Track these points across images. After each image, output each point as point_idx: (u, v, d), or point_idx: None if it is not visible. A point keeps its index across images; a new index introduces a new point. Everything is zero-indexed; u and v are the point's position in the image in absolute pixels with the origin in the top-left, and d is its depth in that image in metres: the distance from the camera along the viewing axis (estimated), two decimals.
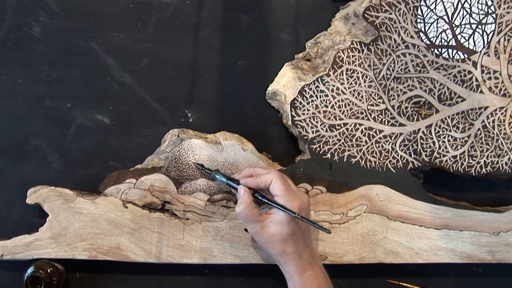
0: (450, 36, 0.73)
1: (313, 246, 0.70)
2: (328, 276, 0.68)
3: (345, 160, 0.74)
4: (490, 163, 0.75)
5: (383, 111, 0.74)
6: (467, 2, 0.72)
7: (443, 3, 0.72)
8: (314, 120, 0.74)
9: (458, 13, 0.72)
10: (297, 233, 0.66)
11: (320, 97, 0.74)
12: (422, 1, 0.72)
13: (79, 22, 0.76)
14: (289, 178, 0.70)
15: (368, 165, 0.75)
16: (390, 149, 0.75)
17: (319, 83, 0.74)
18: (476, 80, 0.74)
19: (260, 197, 0.68)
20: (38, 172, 0.76)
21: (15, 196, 0.76)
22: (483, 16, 0.73)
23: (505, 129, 0.75)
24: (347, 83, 0.74)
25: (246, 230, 0.73)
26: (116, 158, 0.77)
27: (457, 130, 0.75)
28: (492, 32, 0.73)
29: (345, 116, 0.74)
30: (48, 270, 0.71)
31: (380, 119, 0.74)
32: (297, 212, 0.65)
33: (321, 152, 0.74)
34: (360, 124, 0.74)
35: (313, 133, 0.74)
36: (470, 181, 0.77)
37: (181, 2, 0.77)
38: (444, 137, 0.74)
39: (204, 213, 0.73)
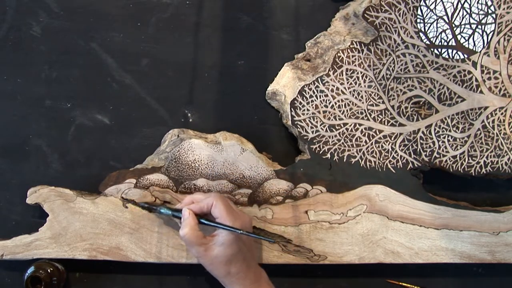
0: (450, 36, 0.73)
1: (256, 263, 0.69)
2: None
3: (345, 160, 0.74)
4: (490, 163, 0.75)
5: (383, 111, 0.74)
6: (467, 2, 0.72)
7: (443, 3, 0.72)
8: (314, 120, 0.74)
9: (458, 13, 0.72)
10: (240, 253, 0.66)
11: (320, 97, 0.74)
12: (422, 1, 0.72)
13: (79, 22, 0.76)
14: (230, 200, 0.70)
15: (368, 165, 0.75)
16: (390, 149, 0.75)
17: (319, 83, 0.74)
18: (476, 80, 0.74)
19: (204, 221, 0.66)
20: (38, 172, 0.76)
21: (15, 196, 0.76)
22: (483, 16, 0.73)
23: (505, 129, 0.75)
24: (347, 83, 0.74)
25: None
26: (116, 158, 0.77)
27: (457, 130, 0.75)
28: (492, 32, 0.73)
29: (345, 116, 0.74)
30: (48, 270, 0.71)
31: (380, 119, 0.74)
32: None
33: (321, 152, 0.74)
34: (360, 124, 0.74)
35: (313, 133, 0.74)
36: (470, 181, 0.77)
37: (181, 2, 0.77)
38: (444, 137, 0.74)
39: None
